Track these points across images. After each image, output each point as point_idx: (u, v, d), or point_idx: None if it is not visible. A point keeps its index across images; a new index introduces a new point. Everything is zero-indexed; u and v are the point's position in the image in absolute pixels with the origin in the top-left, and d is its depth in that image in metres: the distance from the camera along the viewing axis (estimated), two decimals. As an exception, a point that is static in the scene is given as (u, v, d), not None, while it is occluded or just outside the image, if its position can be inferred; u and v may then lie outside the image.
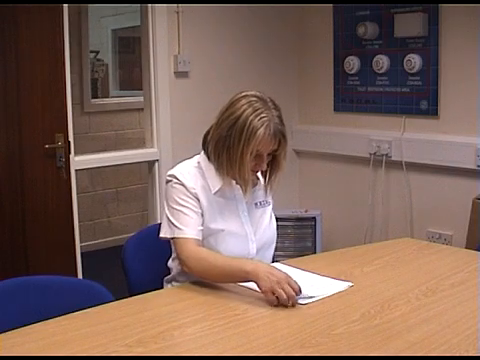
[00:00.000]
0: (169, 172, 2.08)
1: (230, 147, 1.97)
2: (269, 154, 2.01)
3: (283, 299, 1.75)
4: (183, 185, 2.02)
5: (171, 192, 2.04)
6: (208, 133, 2.07)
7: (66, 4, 3.16)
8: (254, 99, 1.97)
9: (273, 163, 2.06)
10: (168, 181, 2.06)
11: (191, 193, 2.01)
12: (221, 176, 2.03)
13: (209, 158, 2.06)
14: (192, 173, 2.06)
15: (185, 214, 1.99)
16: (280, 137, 1.98)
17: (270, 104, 1.98)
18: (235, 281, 1.90)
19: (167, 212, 2.04)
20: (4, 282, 1.79)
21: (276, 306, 1.75)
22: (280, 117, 1.99)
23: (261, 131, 1.92)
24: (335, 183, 4.13)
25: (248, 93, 2.00)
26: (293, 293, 1.76)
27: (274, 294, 1.76)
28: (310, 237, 3.93)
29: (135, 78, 5.11)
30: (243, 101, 1.97)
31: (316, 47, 4.13)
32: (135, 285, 2.13)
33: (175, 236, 1.99)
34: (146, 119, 3.75)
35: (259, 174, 2.12)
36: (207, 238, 2.03)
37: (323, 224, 3.96)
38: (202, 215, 2.02)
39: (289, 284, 1.77)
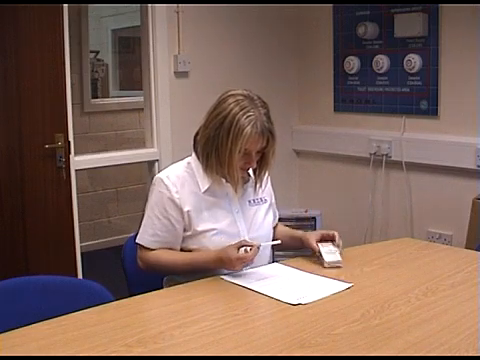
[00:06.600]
0: (157, 175, 2.08)
1: (218, 146, 1.97)
2: (258, 152, 2.01)
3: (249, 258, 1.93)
4: (168, 190, 2.02)
5: (151, 198, 2.07)
6: (197, 134, 2.08)
7: (66, 4, 3.16)
8: (241, 98, 1.97)
9: (262, 160, 2.06)
10: (153, 184, 2.08)
11: (173, 201, 2.02)
12: (210, 175, 2.03)
13: (199, 158, 2.07)
14: (180, 176, 2.06)
15: (154, 225, 2.03)
16: (268, 135, 1.98)
17: (257, 102, 1.98)
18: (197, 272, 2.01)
19: (144, 216, 2.09)
20: (4, 282, 1.80)
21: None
22: (268, 115, 1.99)
23: (248, 129, 1.93)
24: (335, 183, 4.13)
25: (235, 92, 2.01)
26: (253, 252, 1.92)
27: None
28: (310, 237, 3.92)
29: (135, 78, 5.11)
30: (230, 100, 1.97)
31: (316, 47, 4.13)
32: (135, 285, 2.13)
33: (138, 242, 2.06)
34: (146, 119, 3.75)
35: (250, 171, 2.12)
36: (198, 238, 2.04)
37: (323, 224, 3.96)
38: (184, 225, 2.04)
39: (243, 255, 1.93)
